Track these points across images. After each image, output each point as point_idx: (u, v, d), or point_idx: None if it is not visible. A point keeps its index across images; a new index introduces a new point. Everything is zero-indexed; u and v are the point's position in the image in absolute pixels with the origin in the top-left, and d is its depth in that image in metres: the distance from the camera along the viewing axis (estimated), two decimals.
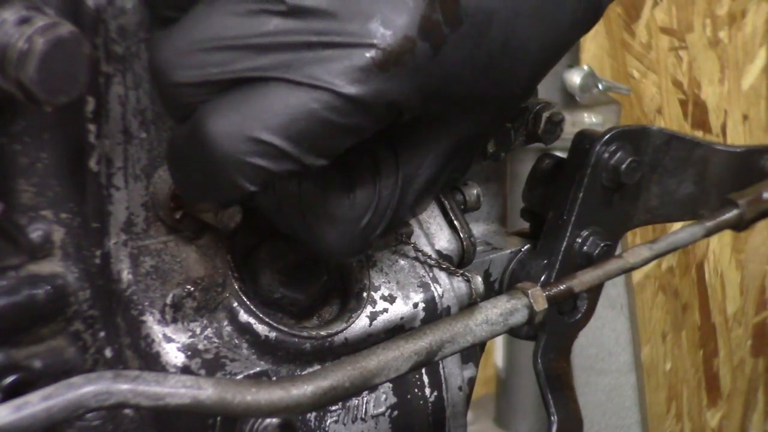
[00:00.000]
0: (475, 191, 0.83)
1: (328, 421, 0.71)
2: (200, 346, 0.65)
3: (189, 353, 0.64)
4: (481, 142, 0.70)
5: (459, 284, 0.78)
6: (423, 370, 0.76)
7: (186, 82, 0.57)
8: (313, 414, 0.71)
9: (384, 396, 0.74)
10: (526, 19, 0.60)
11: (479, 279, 0.79)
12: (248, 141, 0.56)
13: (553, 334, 0.84)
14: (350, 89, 0.55)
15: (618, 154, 0.83)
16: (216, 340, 0.66)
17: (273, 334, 0.67)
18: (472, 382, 0.82)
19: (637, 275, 2.13)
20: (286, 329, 0.68)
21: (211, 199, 0.61)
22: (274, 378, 0.65)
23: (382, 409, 0.74)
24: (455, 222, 0.81)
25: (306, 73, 0.55)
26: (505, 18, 0.59)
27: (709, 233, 0.84)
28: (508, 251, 0.88)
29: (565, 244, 0.83)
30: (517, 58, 0.61)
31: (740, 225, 0.88)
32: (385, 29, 0.55)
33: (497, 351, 1.99)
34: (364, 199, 0.64)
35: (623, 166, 0.82)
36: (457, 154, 0.66)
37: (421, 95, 0.58)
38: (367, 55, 0.55)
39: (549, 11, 0.62)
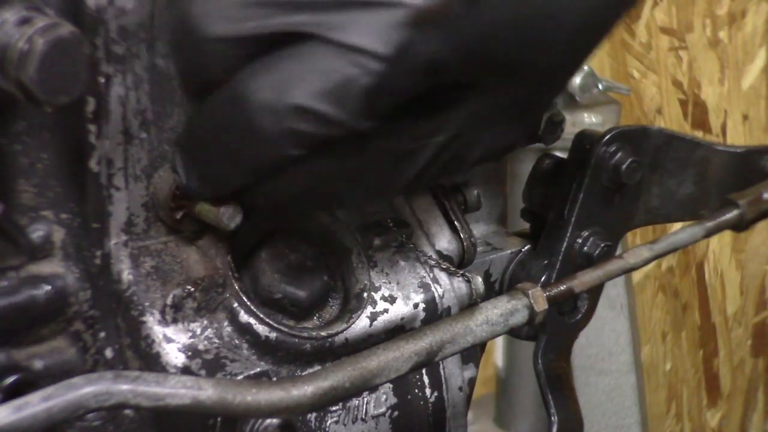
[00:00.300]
0: (475, 191, 0.83)
1: (329, 421, 0.71)
2: (200, 347, 0.65)
3: (189, 354, 0.64)
4: (528, 113, 0.69)
5: (459, 285, 0.78)
6: (423, 371, 0.76)
7: (222, 36, 0.56)
8: (314, 414, 0.71)
9: (384, 396, 0.74)
10: None
11: (479, 279, 0.79)
12: (291, 108, 0.56)
13: (553, 335, 0.84)
14: (385, 50, 0.55)
15: (618, 155, 0.83)
16: (216, 341, 0.66)
17: (273, 335, 0.67)
18: (472, 382, 0.82)
19: (637, 275, 2.13)
20: (286, 330, 0.68)
21: (248, 169, 0.60)
22: (275, 378, 0.65)
23: (383, 410, 0.74)
24: (455, 222, 0.81)
25: (342, 33, 0.55)
26: None
27: (709, 233, 0.84)
28: (509, 252, 0.88)
29: (565, 244, 0.83)
30: (557, 24, 0.60)
31: (740, 225, 0.88)
32: None
33: (497, 351, 1.99)
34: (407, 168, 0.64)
35: (624, 166, 0.82)
36: (498, 123, 0.65)
37: (457, 55, 0.58)
38: (402, 13, 0.55)
39: None
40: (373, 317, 0.73)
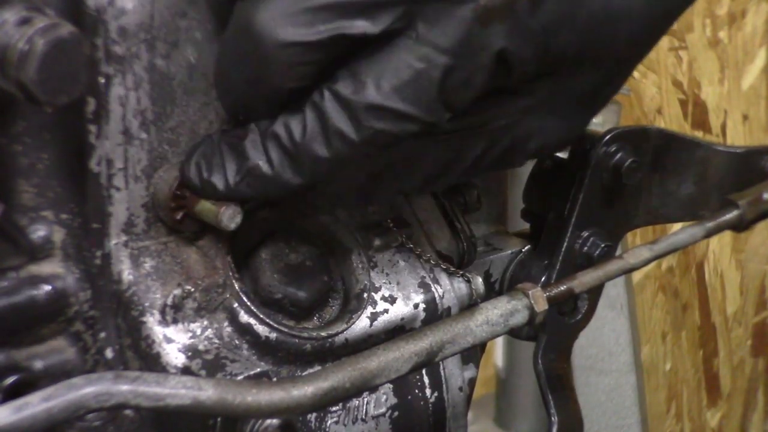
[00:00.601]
0: (475, 192, 0.83)
1: (329, 421, 0.71)
2: (200, 347, 0.65)
3: (189, 354, 0.64)
4: (588, 106, 0.70)
5: (459, 285, 0.78)
6: (423, 371, 0.76)
7: (293, 42, 0.56)
8: (314, 415, 0.71)
9: (384, 397, 0.74)
10: None
11: (480, 280, 0.79)
12: (368, 107, 0.57)
13: (553, 335, 0.84)
14: (449, 43, 0.56)
15: (618, 155, 0.83)
16: (216, 341, 0.66)
17: (273, 335, 0.67)
18: (472, 382, 0.82)
19: (637, 275, 2.12)
20: (286, 330, 0.68)
21: (323, 168, 0.61)
22: (275, 379, 0.65)
23: (383, 410, 0.74)
24: (456, 223, 0.81)
25: (412, 30, 0.56)
26: None
27: (709, 234, 0.84)
28: (509, 252, 0.88)
29: (565, 244, 0.83)
30: (619, 18, 0.62)
31: (740, 226, 0.87)
32: None
33: (497, 351, 1.99)
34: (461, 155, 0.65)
35: (624, 166, 0.82)
36: (557, 115, 0.67)
37: (523, 49, 0.59)
38: (470, 9, 0.56)
39: None
40: (374, 317, 0.73)
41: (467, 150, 0.65)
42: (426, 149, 0.63)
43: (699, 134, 2.09)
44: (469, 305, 0.77)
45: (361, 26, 0.56)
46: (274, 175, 0.61)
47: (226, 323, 0.67)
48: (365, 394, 0.73)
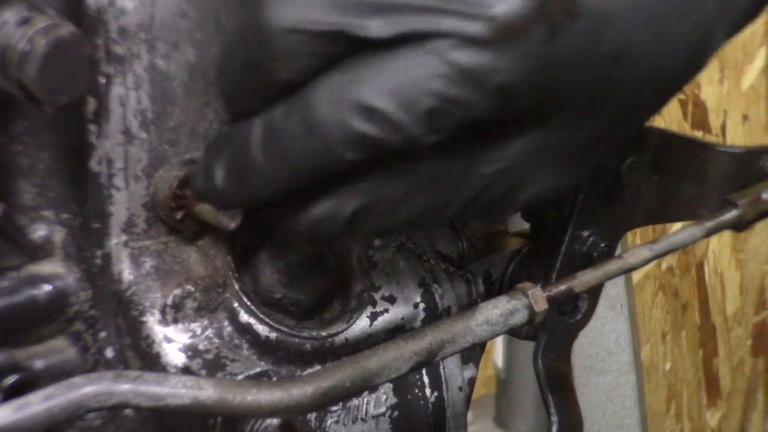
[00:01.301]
0: None
1: (329, 421, 0.71)
2: (201, 347, 0.65)
3: (189, 354, 0.64)
4: (588, 158, 0.67)
5: (459, 284, 0.78)
6: (423, 371, 0.76)
7: (297, 28, 0.54)
8: (314, 414, 0.71)
9: (384, 396, 0.74)
10: (643, 37, 0.59)
11: (480, 279, 0.79)
12: (356, 105, 0.55)
13: (553, 335, 0.84)
14: (461, 59, 0.54)
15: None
16: (216, 341, 0.66)
17: (273, 335, 0.67)
18: (472, 382, 0.82)
19: (637, 275, 2.12)
20: (286, 329, 0.68)
21: (301, 172, 0.58)
22: (275, 378, 0.65)
23: (383, 410, 0.74)
24: (456, 223, 0.81)
25: (422, 39, 0.54)
26: (621, 28, 0.58)
27: (708, 234, 0.84)
28: (509, 251, 0.88)
29: (565, 244, 0.84)
30: (628, 72, 0.60)
31: (740, 225, 0.87)
32: (505, 3, 0.54)
33: (497, 351, 1.99)
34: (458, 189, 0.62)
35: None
36: (555, 163, 0.63)
37: (531, 82, 0.56)
38: (484, 26, 0.54)
39: (669, 40, 0.60)
40: (373, 317, 0.73)
41: (456, 192, 0.62)
42: (412, 183, 0.60)
43: (699, 134, 2.10)
44: (469, 305, 0.77)
45: (374, 27, 0.54)
46: (255, 172, 0.59)
47: (226, 323, 0.67)
48: (365, 393, 0.73)
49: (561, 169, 0.64)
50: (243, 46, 0.58)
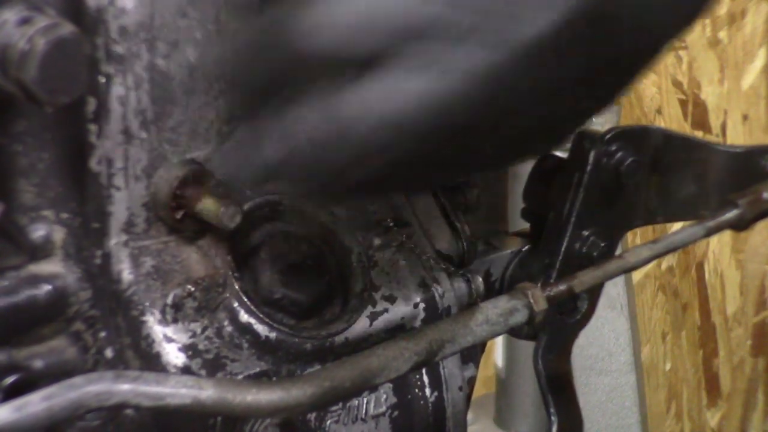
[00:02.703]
0: (475, 192, 0.83)
1: (329, 421, 0.71)
2: (201, 347, 0.65)
3: (189, 353, 0.64)
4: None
5: (459, 284, 0.78)
6: (423, 370, 0.76)
7: (327, 54, 0.53)
8: (314, 414, 0.71)
9: (384, 396, 0.74)
10: None
11: (480, 279, 0.79)
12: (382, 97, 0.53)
13: (553, 335, 0.84)
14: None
15: (618, 154, 0.83)
16: (216, 341, 0.66)
17: (273, 334, 0.67)
18: (472, 382, 0.82)
19: (637, 275, 2.13)
20: (286, 329, 0.68)
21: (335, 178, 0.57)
22: (275, 378, 0.65)
23: (383, 409, 0.74)
24: (455, 222, 0.81)
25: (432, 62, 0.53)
26: None
27: (709, 233, 0.84)
28: (509, 251, 0.88)
29: (565, 244, 0.84)
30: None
31: (740, 225, 0.88)
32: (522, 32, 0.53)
33: (497, 351, 1.99)
34: None
35: (623, 166, 0.82)
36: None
37: None
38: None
39: None
40: (374, 317, 0.73)
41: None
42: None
43: (699, 134, 2.10)
44: (469, 305, 0.77)
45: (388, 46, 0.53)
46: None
47: (226, 322, 0.67)
48: (365, 393, 0.73)
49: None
50: (266, 55, 0.57)
